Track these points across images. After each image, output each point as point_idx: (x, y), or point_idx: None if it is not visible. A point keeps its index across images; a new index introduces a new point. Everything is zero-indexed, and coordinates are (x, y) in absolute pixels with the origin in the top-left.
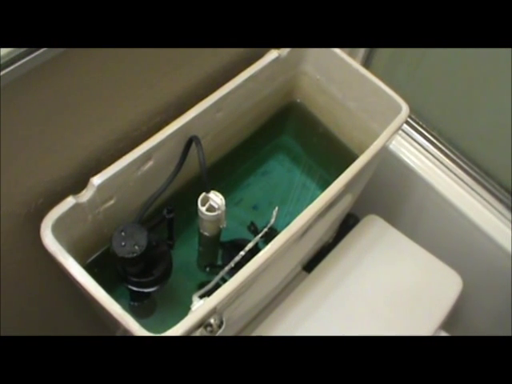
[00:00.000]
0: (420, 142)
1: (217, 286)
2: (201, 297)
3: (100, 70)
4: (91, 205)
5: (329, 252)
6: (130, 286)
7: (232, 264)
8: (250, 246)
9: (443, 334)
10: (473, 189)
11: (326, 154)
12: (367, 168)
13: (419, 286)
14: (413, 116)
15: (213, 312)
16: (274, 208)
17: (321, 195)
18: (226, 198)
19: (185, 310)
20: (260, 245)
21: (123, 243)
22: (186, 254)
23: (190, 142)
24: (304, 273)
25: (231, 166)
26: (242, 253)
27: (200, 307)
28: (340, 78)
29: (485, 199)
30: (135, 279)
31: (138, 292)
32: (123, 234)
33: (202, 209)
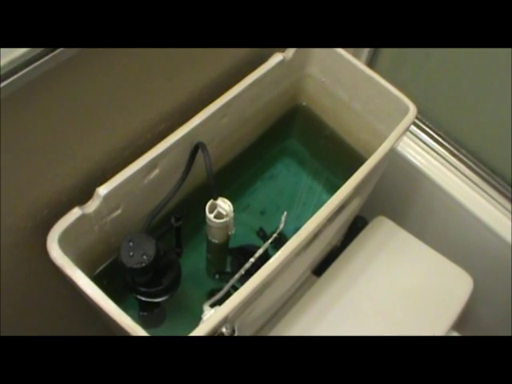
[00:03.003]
0: (426, 141)
1: (227, 294)
2: (212, 306)
3: (102, 78)
4: (98, 215)
5: (338, 255)
6: (139, 297)
7: (242, 271)
8: (259, 252)
9: (455, 334)
10: (481, 187)
11: (333, 156)
12: (376, 170)
13: (430, 287)
14: (419, 116)
15: (224, 321)
16: (282, 213)
17: (329, 200)
18: (233, 204)
19: (195, 317)
20: (269, 250)
21: (131, 253)
22: (194, 261)
23: (196, 148)
24: (313, 277)
25: (237, 172)
26: (252, 260)
27: (211, 316)
28: (346, 80)
29: (493, 198)
30: (144, 289)
31: (148, 302)
32: (131, 244)
33: (210, 216)
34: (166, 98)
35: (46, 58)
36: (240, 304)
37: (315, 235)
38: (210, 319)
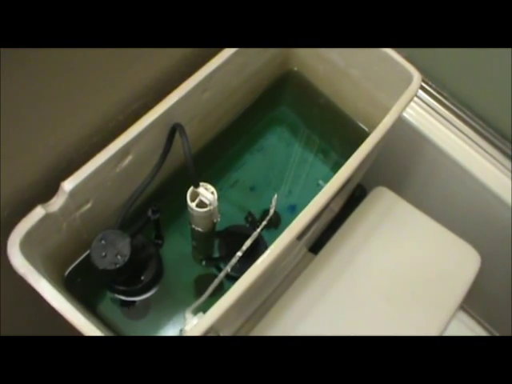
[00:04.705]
0: (429, 103)
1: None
2: (194, 312)
3: (61, 57)
4: (64, 212)
5: (335, 230)
6: (117, 296)
7: (228, 268)
8: (247, 244)
9: (462, 314)
10: (488, 152)
11: (329, 125)
12: (378, 145)
13: (434, 264)
14: (421, 76)
15: (209, 330)
16: (274, 188)
17: (325, 187)
18: (220, 180)
19: (181, 306)
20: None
21: (104, 253)
22: (178, 246)
23: (174, 129)
24: (310, 254)
25: (224, 146)
26: (239, 254)
27: (194, 327)
28: None
29: (501, 163)
30: (122, 288)
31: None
32: (103, 242)
33: (192, 204)
34: (139, 74)
35: None
36: (226, 311)
37: (309, 226)
38: (193, 330)
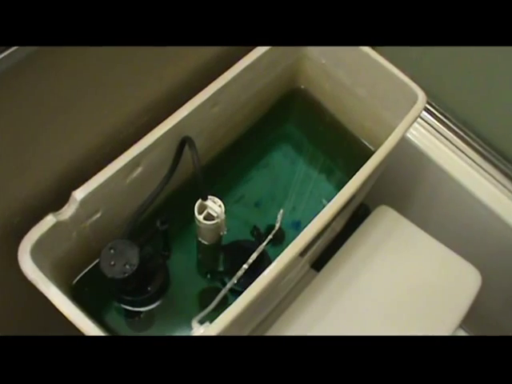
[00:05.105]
0: (433, 124)
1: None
2: (201, 321)
3: (75, 70)
4: (75, 221)
5: (338, 248)
6: (124, 306)
7: (234, 280)
8: (253, 257)
9: (462, 333)
10: (491, 174)
11: (334, 143)
12: (382, 164)
13: (435, 283)
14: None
15: None
16: (278, 205)
17: (329, 204)
18: (225, 196)
19: (185, 319)
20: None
21: (112, 262)
22: (184, 259)
23: (184, 142)
24: (313, 271)
25: (230, 161)
26: (245, 266)
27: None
28: (348, 62)
29: (504, 186)
30: (129, 298)
31: (134, 311)
32: (112, 251)
33: (199, 217)
34: (150, 87)
35: (14, 48)
36: (231, 322)
37: (314, 241)
38: None
